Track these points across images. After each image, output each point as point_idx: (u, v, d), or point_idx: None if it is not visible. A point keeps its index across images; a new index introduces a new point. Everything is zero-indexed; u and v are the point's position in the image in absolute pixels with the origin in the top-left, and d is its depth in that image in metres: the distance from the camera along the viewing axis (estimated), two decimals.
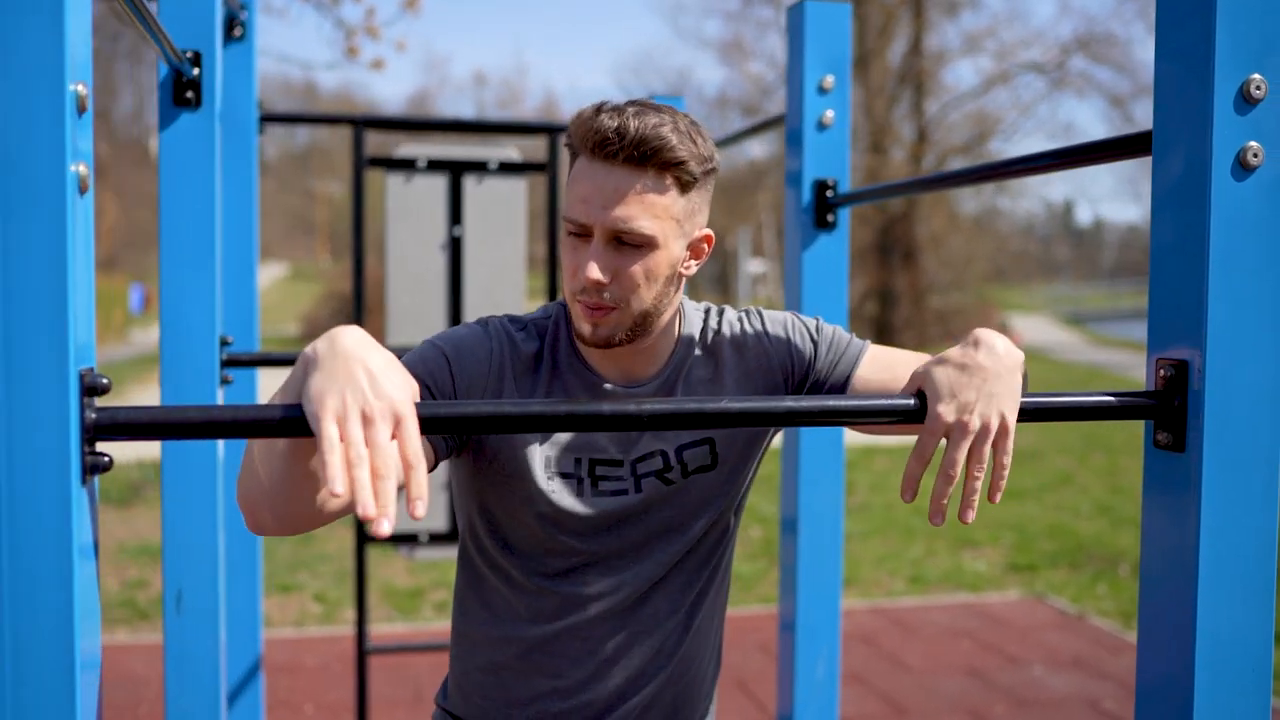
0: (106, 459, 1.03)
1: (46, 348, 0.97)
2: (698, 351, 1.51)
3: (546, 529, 1.44)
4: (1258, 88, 1.20)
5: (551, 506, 1.42)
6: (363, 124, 3.30)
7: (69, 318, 0.97)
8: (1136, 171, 35.44)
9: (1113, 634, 5.45)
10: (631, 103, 1.36)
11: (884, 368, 1.47)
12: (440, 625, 5.51)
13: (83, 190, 1.00)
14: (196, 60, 2.07)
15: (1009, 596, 6.17)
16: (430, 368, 1.38)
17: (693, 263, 1.44)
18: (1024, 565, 6.79)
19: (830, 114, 2.29)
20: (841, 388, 1.50)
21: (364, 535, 3.42)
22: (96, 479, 1.06)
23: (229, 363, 2.24)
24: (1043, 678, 4.82)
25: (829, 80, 2.29)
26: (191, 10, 2.09)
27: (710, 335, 1.52)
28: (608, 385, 1.45)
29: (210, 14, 2.09)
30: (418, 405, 1.09)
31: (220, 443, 2.17)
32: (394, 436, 1.04)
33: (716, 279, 40.13)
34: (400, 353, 1.35)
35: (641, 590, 1.49)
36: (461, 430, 1.12)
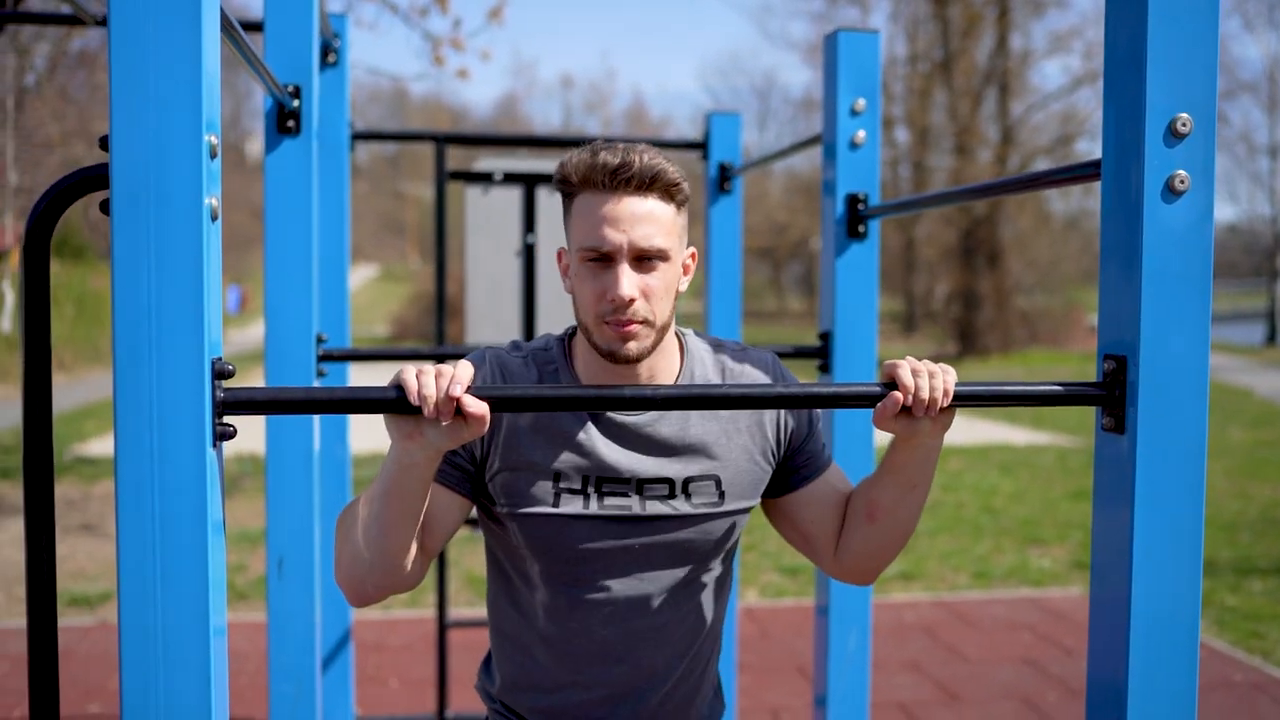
0: (231, 429, 1.32)
1: (187, 342, 1.25)
2: (705, 375, 1.66)
3: (554, 533, 1.58)
4: (1184, 125, 1.41)
5: (558, 515, 1.57)
6: (444, 140, 3.59)
7: (205, 318, 1.25)
8: (1232, 170, 34.42)
9: None
10: (611, 141, 1.55)
11: (839, 481, 1.72)
12: None
13: (214, 218, 1.28)
14: (297, 93, 2.37)
15: (1071, 592, 6.29)
16: None
17: (684, 279, 1.61)
18: (1090, 563, 6.87)
19: (862, 134, 2.53)
20: (806, 473, 1.70)
21: None
22: (223, 446, 1.34)
23: (324, 357, 2.55)
24: None
25: (860, 103, 2.52)
26: (292, 47, 2.39)
27: (716, 365, 1.68)
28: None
29: (308, 50, 2.39)
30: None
31: (316, 436, 2.47)
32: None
33: (801, 280, 39.98)
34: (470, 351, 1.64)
35: (646, 598, 1.62)
36: (503, 409, 1.39)
